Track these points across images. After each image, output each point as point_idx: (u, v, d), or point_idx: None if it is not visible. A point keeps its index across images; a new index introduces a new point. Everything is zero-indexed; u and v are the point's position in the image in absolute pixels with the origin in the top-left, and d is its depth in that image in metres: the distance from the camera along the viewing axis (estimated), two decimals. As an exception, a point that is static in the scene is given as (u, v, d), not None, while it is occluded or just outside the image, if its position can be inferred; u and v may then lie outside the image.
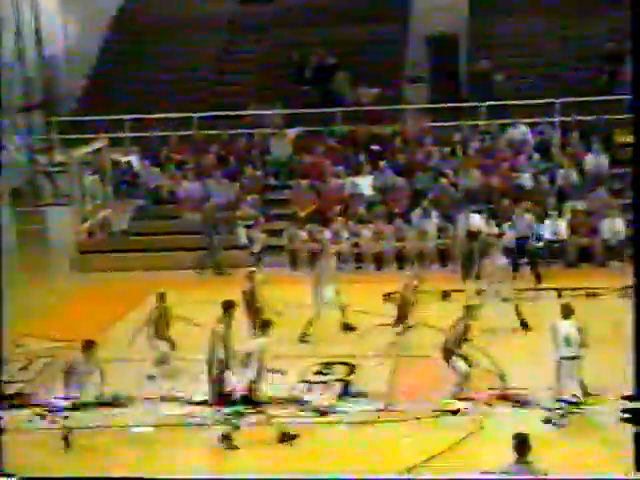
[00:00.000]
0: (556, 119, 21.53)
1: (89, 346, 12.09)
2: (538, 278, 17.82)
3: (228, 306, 12.70)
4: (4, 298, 11.18)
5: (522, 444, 8.53)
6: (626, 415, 10.13)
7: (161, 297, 14.00)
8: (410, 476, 10.59)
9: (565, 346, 12.09)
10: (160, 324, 13.84)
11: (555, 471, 8.81)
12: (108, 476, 10.91)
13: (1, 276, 11.01)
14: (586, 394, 12.29)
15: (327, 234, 19.32)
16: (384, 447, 11.50)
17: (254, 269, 15.27)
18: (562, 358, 12.09)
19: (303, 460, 11.25)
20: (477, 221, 18.91)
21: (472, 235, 18.66)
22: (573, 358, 12.09)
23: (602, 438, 11.32)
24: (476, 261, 18.44)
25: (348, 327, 15.41)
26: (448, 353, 12.61)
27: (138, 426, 12.18)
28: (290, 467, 11.00)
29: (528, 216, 18.67)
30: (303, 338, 14.98)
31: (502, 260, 15.76)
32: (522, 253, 18.21)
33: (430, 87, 24.79)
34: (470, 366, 12.58)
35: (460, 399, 12.32)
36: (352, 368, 13.84)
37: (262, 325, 11.99)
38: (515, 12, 24.68)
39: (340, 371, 13.78)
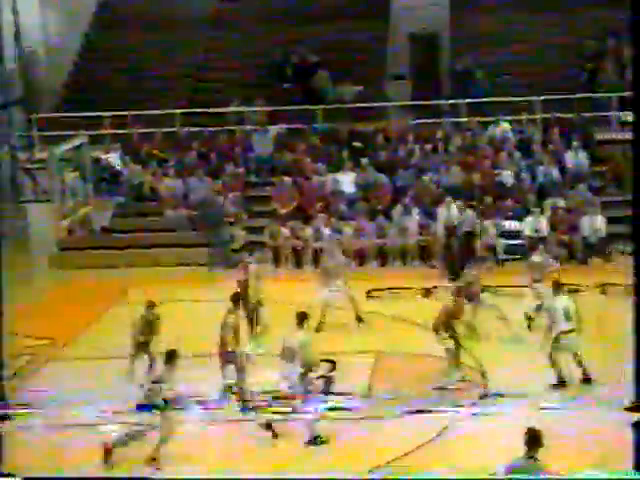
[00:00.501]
0: (537, 116, 21.59)
1: (172, 356, 11.57)
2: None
3: (237, 298, 12.98)
4: (4, 298, 11.10)
5: (533, 439, 8.40)
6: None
7: (149, 307, 13.66)
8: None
9: (565, 320, 12.28)
10: (144, 333, 13.67)
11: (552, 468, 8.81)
12: (108, 476, 10.85)
13: (1, 275, 10.93)
14: (585, 376, 12.41)
15: (309, 231, 19.35)
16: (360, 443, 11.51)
17: (249, 260, 15.27)
18: (562, 332, 12.29)
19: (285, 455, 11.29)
20: (457, 215, 18.92)
21: (452, 229, 18.67)
22: (572, 331, 12.34)
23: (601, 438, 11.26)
24: (457, 256, 18.51)
25: (359, 319, 15.56)
26: (435, 333, 12.74)
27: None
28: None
29: (470, 212, 18.89)
30: (320, 328, 15.18)
31: (541, 257, 15.79)
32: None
33: (412, 84, 24.80)
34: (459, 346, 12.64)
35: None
36: (334, 365, 13.82)
37: (300, 319, 12.00)
38: (496, 10, 24.73)
39: (323, 368, 13.76)
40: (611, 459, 10.54)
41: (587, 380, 12.63)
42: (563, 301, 12.60)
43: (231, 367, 12.48)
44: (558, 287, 12.88)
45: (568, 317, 12.41)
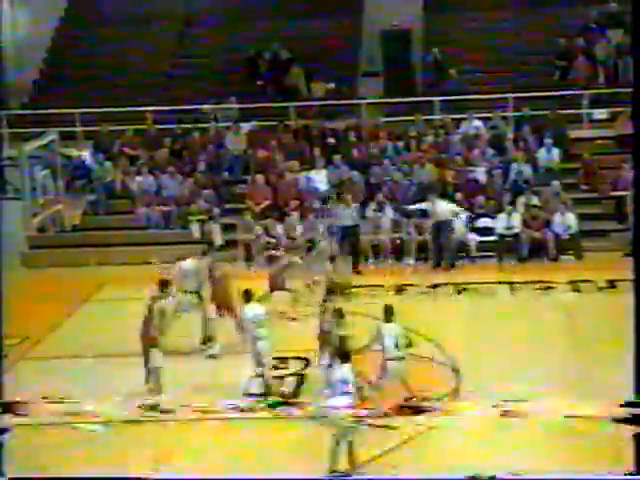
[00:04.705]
0: (509, 114, 21.68)
1: None
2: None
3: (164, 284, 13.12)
4: (3, 298, 10.99)
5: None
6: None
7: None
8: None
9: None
10: None
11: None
12: (108, 476, 10.76)
13: (0, 275, 10.82)
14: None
15: (279, 229, 19.33)
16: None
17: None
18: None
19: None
20: (444, 208, 18.81)
21: (441, 223, 18.61)
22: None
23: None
24: (446, 249, 18.51)
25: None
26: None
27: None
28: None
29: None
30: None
31: None
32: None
33: (384, 81, 24.83)
34: None
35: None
36: (307, 362, 13.78)
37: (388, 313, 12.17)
38: (468, 7, 24.81)
39: (295, 365, 13.72)
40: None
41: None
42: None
43: (155, 351, 12.62)
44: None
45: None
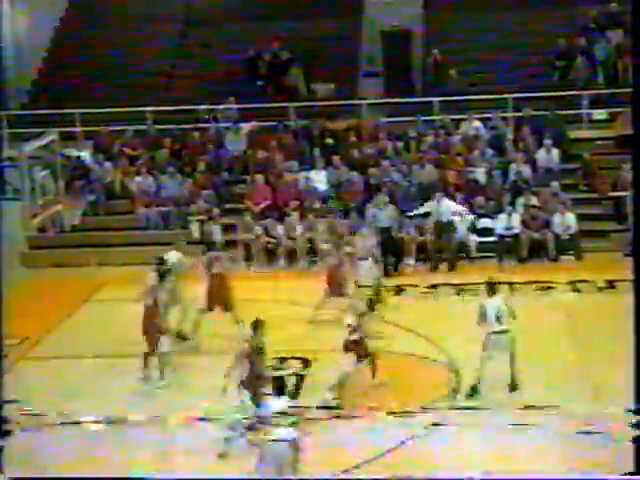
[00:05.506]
0: (509, 114, 21.68)
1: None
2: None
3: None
4: (3, 298, 10.99)
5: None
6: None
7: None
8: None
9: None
10: None
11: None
12: (108, 476, 10.78)
13: (1, 275, 10.82)
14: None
15: (279, 229, 19.31)
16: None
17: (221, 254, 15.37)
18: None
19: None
20: (448, 208, 18.75)
21: (442, 224, 18.58)
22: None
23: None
24: (447, 250, 18.48)
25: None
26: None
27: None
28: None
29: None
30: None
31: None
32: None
33: (384, 82, 24.83)
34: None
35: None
36: (308, 363, 13.78)
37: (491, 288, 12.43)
38: (468, 7, 24.81)
39: (295, 366, 13.71)
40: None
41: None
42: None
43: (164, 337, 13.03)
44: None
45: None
